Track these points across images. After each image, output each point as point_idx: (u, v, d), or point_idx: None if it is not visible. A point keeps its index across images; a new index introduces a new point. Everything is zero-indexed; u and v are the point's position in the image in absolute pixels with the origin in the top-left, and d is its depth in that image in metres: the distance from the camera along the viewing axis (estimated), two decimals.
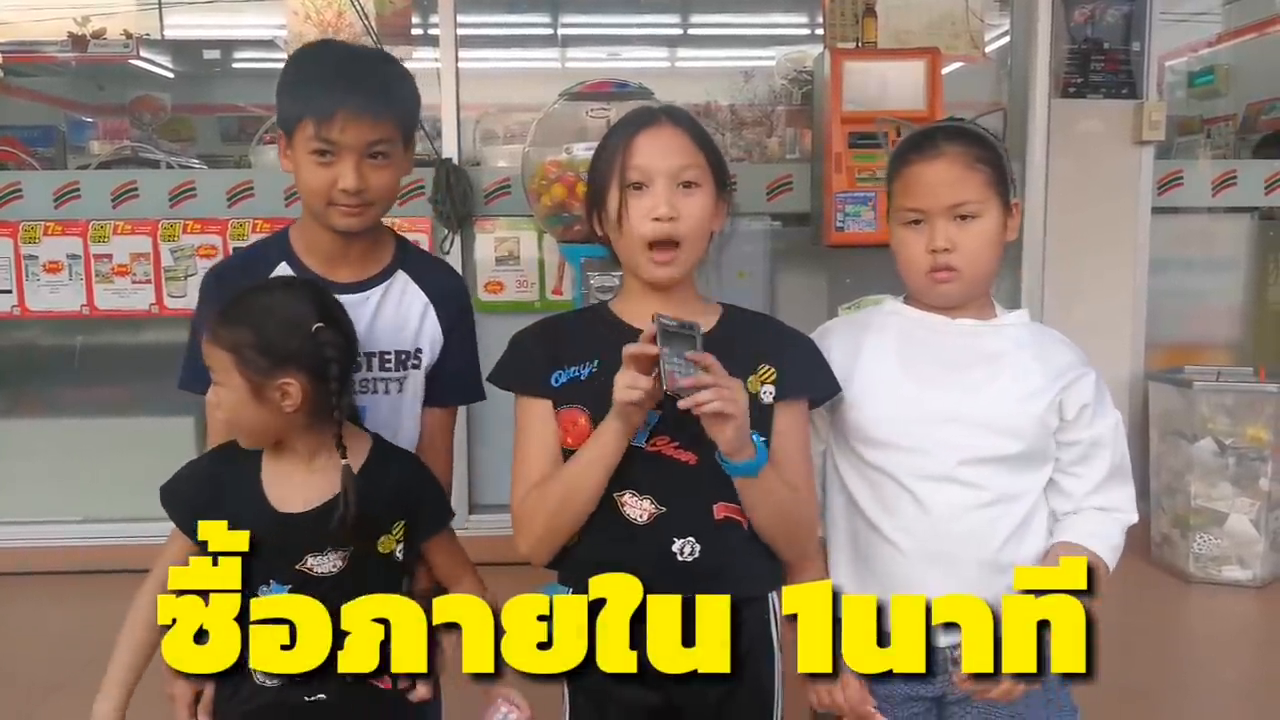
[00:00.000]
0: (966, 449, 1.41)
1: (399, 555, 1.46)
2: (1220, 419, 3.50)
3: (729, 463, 1.28)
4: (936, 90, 3.33)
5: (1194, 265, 4.14)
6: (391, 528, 1.44)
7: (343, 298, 1.52)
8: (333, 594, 1.34)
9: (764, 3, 5.26)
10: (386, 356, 1.63)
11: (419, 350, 1.66)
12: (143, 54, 4.46)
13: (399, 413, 1.66)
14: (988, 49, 3.94)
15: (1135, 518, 1.49)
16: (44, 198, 3.73)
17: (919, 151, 1.44)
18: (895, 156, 1.49)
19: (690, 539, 1.34)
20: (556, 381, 1.39)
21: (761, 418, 1.38)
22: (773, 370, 1.39)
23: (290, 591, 1.36)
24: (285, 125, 1.54)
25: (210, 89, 5.57)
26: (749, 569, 1.39)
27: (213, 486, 1.42)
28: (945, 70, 3.51)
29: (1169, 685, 2.86)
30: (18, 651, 2.99)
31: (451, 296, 1.70)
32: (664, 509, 1.34)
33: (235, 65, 5.49)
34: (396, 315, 1.64)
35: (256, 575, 1.35)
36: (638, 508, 1.35)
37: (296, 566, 1.38)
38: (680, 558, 1.34)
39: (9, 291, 3.72)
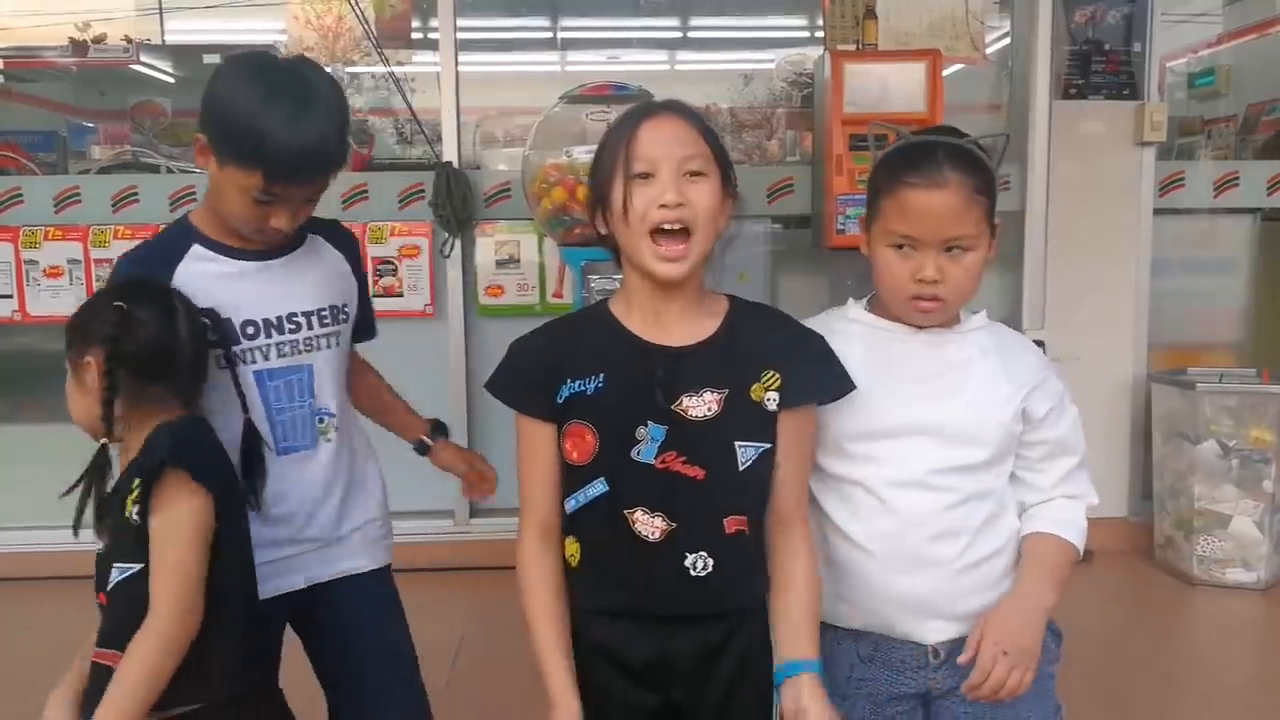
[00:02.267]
0: (936, 459, 1.41)
1: (135, 519, 1.35)
2: (1223, 421, 3.49)
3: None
4: (937, 92, 3.33)
5: (1196, 266, 4.13)
6: (132, 485, 1.37)
7: (269, 263, 1.59)
8: (105, 570, 1.37)
9: (763, 6, 5.26)
10: (324, 313, 1.67)
11: (346, 305, 1.71)
12: (143, 59, 4.46)
13: (338, 368, 1.71)
14: (988, 51, 3.94)
15: (1096, 499, 1.52)
16: (45, 202, 3.74)
17: (920, 175, 1.37)
18: (888, 173, 1.42)
19: (702, 554, 1.33)
20: (561, 397, 1.36)
21: (764, 425, 1.37)
22: (777, 376, 1.37)
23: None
24: (214, 146, 1.48)
25: None
26: (758, 579, 1.40)
27: None
28: (946, 72, 3.50)
29: (1172, 688, 2.85)
30: (17, 656, 2.98)
31: (352, 243, 1.76)
32: (675, 525, 1.33)
33: None
34: (323, 272, 1.68)
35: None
36: (650, 525, 1.33)
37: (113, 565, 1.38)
38: (694, 573, 1.33)
39: (9, 296, 3.72)
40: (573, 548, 1.39)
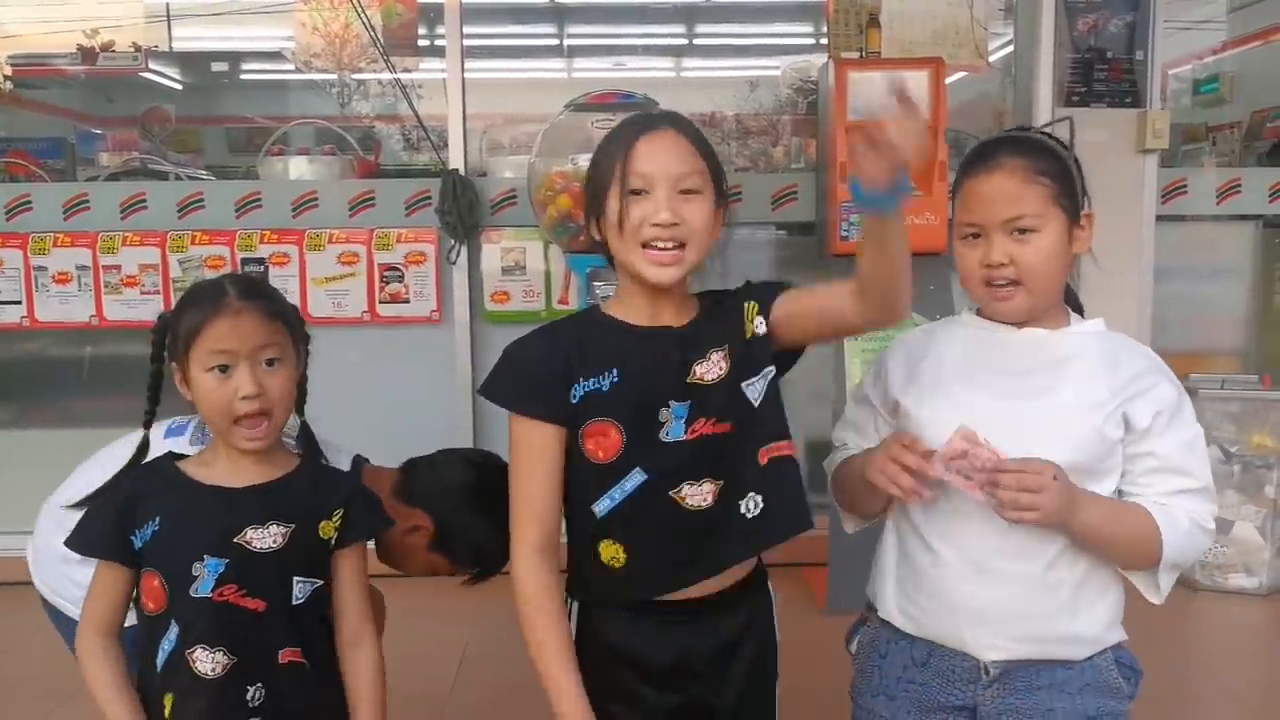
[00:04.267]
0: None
1: (331, 544, 1.49)
2: (1225, 427, 3.50)
3: (874, 195, 1.21)
4: (940, 100, 3.34)
5: (1199, 273, 4.14)
6: (332, 514, 1.48)
7: None
8: (270, 571, 1.41)
9: (769, 13, 5.29)
10: None
11: None
12: (151, 66, 4.49)
13: None
14: (992, 58, 3.95)
15: (1211, 526, 1.41)
16: (53, 209, 3.76)
17: (977, 164, 1.41)
18: (958, 170, 1.47)
19: (751, 495, 1.39)
20: (575, 398, 1.37)
21: (764, 353, 1.41)
22: (755, 304, 1.42)
23: (228, 566, 1.39)
24: (441, 540, 1.84)
25: (218, 100, 5.61)
26: (799, 503, 1.42)
27: (131, 500, 1.42)
28: (949, 80, 3.52)
29: (1175, 694, 2.86)
30: (30, 661, 3.00)
31: None
32: (722, 481, 1.38)
33: (243, 77, 5.53)
34: None
35: (187, 551, 1.38)
36: (699, 494, 1.37)
37: (234, 539, 1.39)
38: (749, 516, 1.39)
39: (18, 302, 3.75)
40: (612, 550, 1.38)
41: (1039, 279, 1.38)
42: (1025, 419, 1.37)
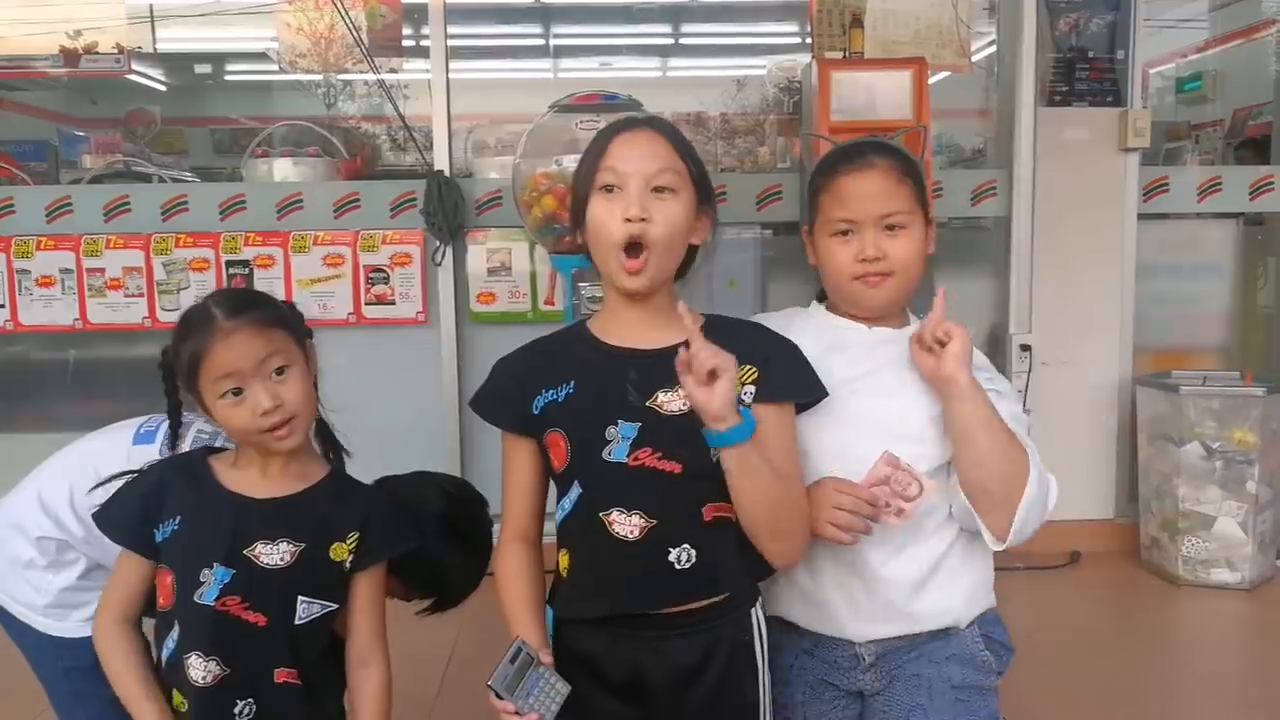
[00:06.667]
0: (871, 455, 1.42)
1: (346, 567, 1.48)
2: (1207, 423, 3.52)
3: (714, 433, 1.26)
4: (923, 100, 3.35)
5: (1181, 271, 4.16)
6: (346, 537, 1.47)
7: None
8: (276, 587, 1.41)
9: (754, 13, 5.29)
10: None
11: None
12: (135, 68, 4.47)
13: None
14: (974, 58, 3.97)
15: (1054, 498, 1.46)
16: (36, 212, 3.74)
17: (848, 163, 1.48)
18: (822, 169, 1.52)
19: (685, 546, 1.34)
20: (537, 408, 1.39)
21: None
22: (754, 370, 1.37)
23: (234, 578, 1.39)
24: (408, 579, 1.69)
25: (203, 102, 5.59)
26: (742, 563, 1.40)
27: (158, 493, 1.44)
28: (933, 79, 3.53)
29: (1159, 688, 2.88)
30: (16, 665, 2.98)
31: None
32: (655, 521, 1.33)
33: (228, 78, 5.51)
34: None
35: (199, 555, 1.39)
36: (627, 524, 1.34)
37: (244, 551, 1.40)
38: (678, 566, 1.34)
39: (1, 306, 3.73)
40: (564, 560, 1.41)
41: (909, 271, 1.47)
42: (883, 417, 1.45)
